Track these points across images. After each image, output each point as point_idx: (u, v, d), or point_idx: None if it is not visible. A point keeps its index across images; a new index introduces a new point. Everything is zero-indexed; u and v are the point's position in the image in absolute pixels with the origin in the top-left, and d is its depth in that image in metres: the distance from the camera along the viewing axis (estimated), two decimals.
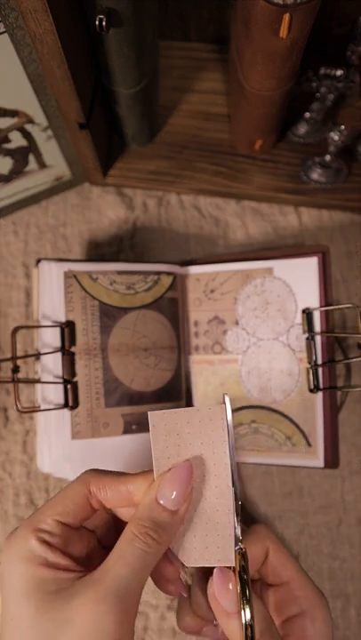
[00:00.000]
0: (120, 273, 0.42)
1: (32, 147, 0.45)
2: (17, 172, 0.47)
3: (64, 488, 0.28)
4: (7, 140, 0.43)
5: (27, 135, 0.43)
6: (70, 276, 0.40)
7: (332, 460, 0.40)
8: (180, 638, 0.44)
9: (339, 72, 0.45)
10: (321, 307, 0.40)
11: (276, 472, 0.46)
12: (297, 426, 0.41)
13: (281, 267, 0.42)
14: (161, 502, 0.26)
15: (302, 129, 0.51)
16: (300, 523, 0.45)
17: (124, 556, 0.25)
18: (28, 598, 0.24)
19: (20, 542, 0.25)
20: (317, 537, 0.45)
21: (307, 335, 0.41)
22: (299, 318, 0.41)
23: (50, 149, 0.46)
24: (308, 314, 0.41)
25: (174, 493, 0.27)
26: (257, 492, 0.46)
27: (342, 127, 0.44)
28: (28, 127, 0.42)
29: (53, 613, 0.23)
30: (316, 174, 0.50)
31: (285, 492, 0.46)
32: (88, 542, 0.29)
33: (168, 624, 0.44)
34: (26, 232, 0.52)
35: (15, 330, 0.39)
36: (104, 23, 0.34)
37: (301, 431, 0.40)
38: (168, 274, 0.43)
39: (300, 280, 0.41)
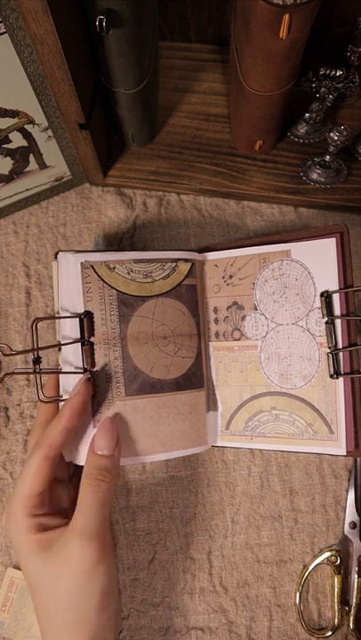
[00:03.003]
0: (137, 261, 0.42)
1: (32, 147, 0.45)
2: (17, 172, 0.47)
3: (27, 466, 0.35)
4: (8, 141, 0.43)
5: (27, 135, 0.43)
6: (87, 267, 0.40)
7: (355, 447, 0.39)
8: (170, 636, 0.44)
9: (339, 72, 0.45)
10: (340, 289, 0.39)
11: (276, 471, 0.46)
12: (318, 412, 0.40)
13: (298, 249, 0.41)
14: (99, 452, 0.36)
15: (302, 129, 0.52)
16: (299, 522, 0.45)
17: (85, 502, 0.34)
18: (34, 557, 0.34)
19: (19, 523, 0.35)
20: (317, 535, 0.45)
21: (326, 319, 0.40)
22: (318, 302, 0.40)
23: (50, 149, 0.46)
24: (326, 297, 0.39)
25: (106, 443, 0.37)
26: (257, 492, 0.46)
27: (342, 127, 0.44)
28: (29, 127, 0.42)
29: (54, 561, 0.33)
30: (315, 174, 0.50)
31: (285, 491, 0.46)
32: (66, 489, 0.40)
33: (163, 623, 0.44)
34: (26, 232, 0.52)
35: (35, 321, 0.39)
36: (104, 24, 0.34)
37: (323, 418, 0.40)
38: (186, 261, 0.43)
39: (318, 262, 0.40)
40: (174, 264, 0.43)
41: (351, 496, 0.45)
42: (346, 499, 0.45)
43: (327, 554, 0.44)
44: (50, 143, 0.45)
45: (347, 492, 0.46)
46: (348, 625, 0.43)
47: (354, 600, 0.43)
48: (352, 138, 0.50)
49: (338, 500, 0.45)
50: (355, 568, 0.43)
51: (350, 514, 0.45)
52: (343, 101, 0.53)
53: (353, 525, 0.45)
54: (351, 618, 0.43)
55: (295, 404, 0.41)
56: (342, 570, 0.44)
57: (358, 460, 0.46)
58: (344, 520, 0.45)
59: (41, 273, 0.51)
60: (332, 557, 0.44)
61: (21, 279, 0.51)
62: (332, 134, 0.45)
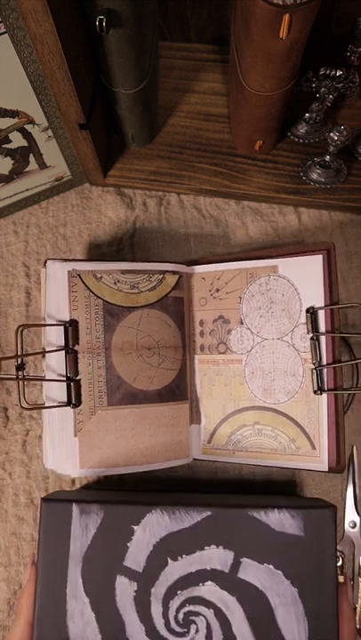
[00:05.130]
0: (124, 272, 0.42)
1: (32, 147, 0.45)
2: (17, 172, 0.47)
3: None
4: (8, 141, 0.43)
5: (27, 135, 0.43)
6: (74, 276, 0.40)
7: (336, 463, 0.40)
8: None
9: (339, 72, 0.45)
10: (326, 305, 0.40)
11: (275, 471, 0.46)
12: (301, 428, 0.40)
13: (286, 265, 0.42)
14: None
15: (302, 129, 0.52)
16: None
17: None
18: None
19: None
20: None
21: (311, 335, 0.40)
22: (303, 318, 0.41)
23: (50, 149, 0.46)
24: (312, 313, 0.40)
25: None
26: (257, 491, 0.46)
27: (342, 127, 0.44)
28: (29, 127, 0.42)
29: None
30: (315, 174, 0.50)
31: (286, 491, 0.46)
32: None
33: None
34: (26, 232, 0.52)
35: (19, 328, 0.39)
36: (104, 24, 0.34)
37: (305, 434, 0.40)
38: (173, 273, 0.43)
39: (304, 278, 0.41)
40: (161, 276, 0.43)
41: (350, 494, 0.45)
42: (345, 497, 0.45)
43: None
44: (50, 143, 0.45)
45: (345, 490, 0.45)
46: None
47: (359, 601, 0.43)
48: (352, 138, 0.50)
49: (338, 500, 0.45)
50: (357, 568, 0.43)
51: (350, 513, 0.45)
52: (343, 101, 0.53)
53: (353, 525, 0.45)
54: (356, 618, 0.42)
55: (278, 419, 0.41)
56: (345, 570, 0.44)
57: (356, 457, 0.46)
58: (344, 519, 0.45)
59: (41, 273, 0.51)
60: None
61: (21, 279, 0.51)
62: (332, 134, 0.45)
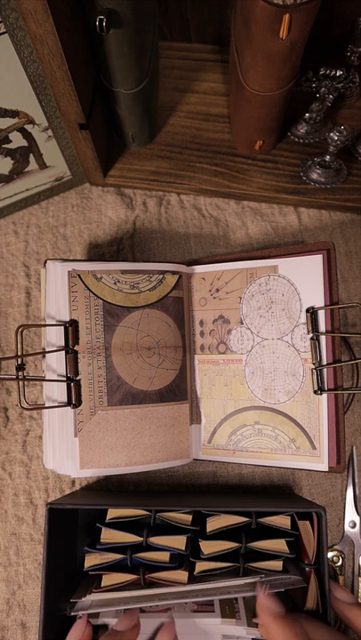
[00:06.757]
0: (124, 272, 0.42)
1: (32, 147, 0.45)
2: (17, 172, 0.47)
3: None
4: (8, 141, 0.43)
5: (27, 135, 0.43)
6: (74, 276, 0.40)
7: (337, 463, 0.40)
8: None
9: (339, 72, 0.45)
10: (326, 305, 0.40)
11: (275, 471, 0.46)
12: (301, 428, 0.40)
13: (286, 265, 0.42)
14: None
15: (302, 129, 0.52)
16: None
17: None
18: None
19: None
20: None
21: (311, 335, 0.40)
22: (303, 318, 0.41)
23: (50, 150, 0.46)
24: (312, 313, 0.40)
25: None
26: (257, 491, 0.46)
27: (342, 127, 0.44)
28: (29, 127, 0.42)
29: None
30: (315, 174, 0.50)
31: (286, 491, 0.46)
32: None
33: None
34: (26, 232, 0.52)
35: (19, 328, 0.39)
36: (104, 24, 0.34)
37: (306, 433, 0.40)
38: (173, 273, 0.43)
39: (304, 278, 0.41)
40: (161, 276, 0.43)
41: (350, 494, 0.45)
42: (345, 497, 0.45)
43: (330, 554, 0.44)
44: (50, 143, 0.45)
45: (345, 490, 0.46)
46: None
47: (358, 600, 0.43)
48: (352, 138, 0.50)
49: (338, 500, 0.45)
50: (357, 568, 0.43)
51: (350, 513, 0.45)
52: (343, 101, 0.53)
53: (353, 525, 0.45)
54: None
55: (278, 418, 0.41)
56: (345, 570, 0.44)
57: (356, 457, 0.46)
58: (344, 519, 0.45)
59: (41, 273, 0.51)
60: (335, 558, 0.44)
61: (21, 279, 0.51)
62: (332, 134, 0.45)
